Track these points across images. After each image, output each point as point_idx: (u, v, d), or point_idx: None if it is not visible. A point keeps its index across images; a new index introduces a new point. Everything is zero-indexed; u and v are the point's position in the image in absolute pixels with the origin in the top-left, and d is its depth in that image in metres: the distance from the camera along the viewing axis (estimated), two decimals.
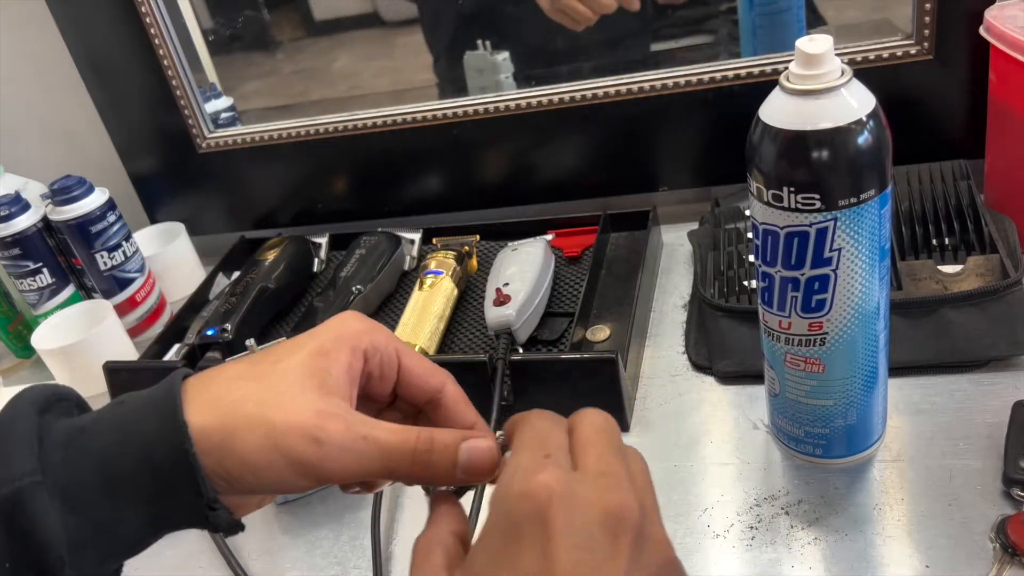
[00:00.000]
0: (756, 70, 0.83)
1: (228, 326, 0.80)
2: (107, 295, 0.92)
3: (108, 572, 0.37)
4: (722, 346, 0.69)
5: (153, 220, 1.09)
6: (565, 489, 0.32)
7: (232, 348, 0.78)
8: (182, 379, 0.37)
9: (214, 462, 0.35)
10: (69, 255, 0.92)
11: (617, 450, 0.35)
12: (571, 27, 0.88)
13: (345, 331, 0.40)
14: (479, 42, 0.92)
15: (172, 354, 0.84)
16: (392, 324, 0.81)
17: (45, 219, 0.90)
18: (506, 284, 0.75)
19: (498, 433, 0.39)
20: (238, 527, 0.38)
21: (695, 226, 0.85)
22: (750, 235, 0.74)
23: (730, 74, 0.83)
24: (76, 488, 0.35)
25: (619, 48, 0.92)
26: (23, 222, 0.88)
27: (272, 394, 0.36)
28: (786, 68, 0.47)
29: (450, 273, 0.82)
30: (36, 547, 0.34)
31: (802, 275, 0.49)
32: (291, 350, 0.38)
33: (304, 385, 0.37)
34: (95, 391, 0.86)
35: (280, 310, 0.89)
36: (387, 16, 1.01)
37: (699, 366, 0.71)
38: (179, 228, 1.03)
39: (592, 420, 0.36)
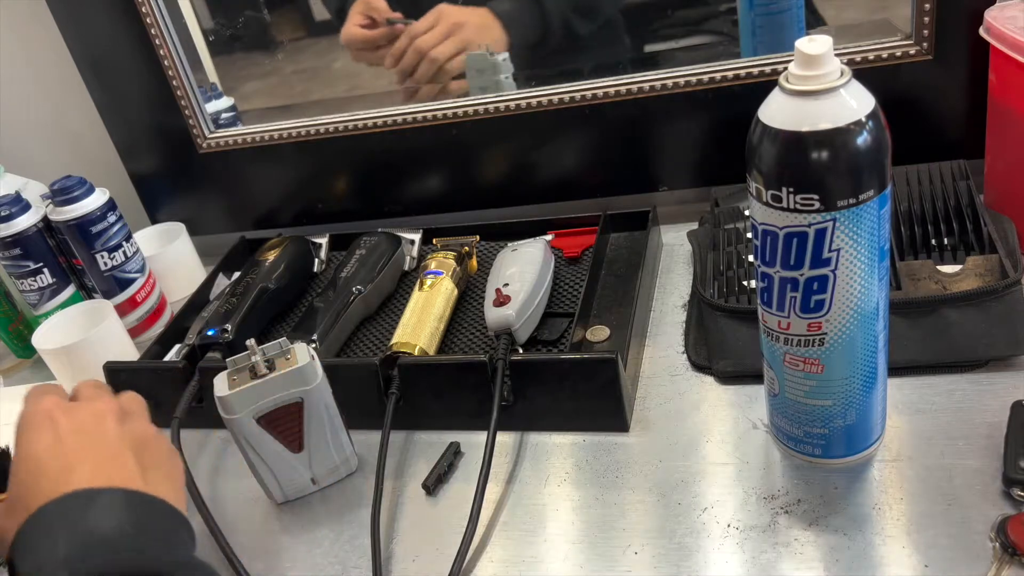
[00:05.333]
0: (756, 70, 0.83)
1: (228, 326, 0.80)
2: (107, 295, 0.92)
3: None
4: (722, 346, 0.69)
5: (153, 220, 1.09)
6: (65, 404, 0.52)
7: (232, 348, 0.78)
8: None
9: None
10: (69, 255, 0.92)
11: (105, 390, 0.56)
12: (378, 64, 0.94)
13: None
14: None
15: (172, 354, 0.84)
16: (392, 324, 0.81)
17: (45, 219, 0.90)
18: (506, 284, 0.75)
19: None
20: None
21: (695, 226, 0.85)
22: (749, 235, 0.74)
23: (730, 74, 0.84)
24: None
25: (618, 48, 0.92)
26: (23, 222, 0.88)
27: None
28: (785, 68, 0.47)
29: (450, 273, 0.82)
30: None
31: (801, 275, 0.50)
32: None
33: None
34: None
35: (280, 310, 0.89)
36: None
37: (699, 366, 0.71)
38: (179, 228, 1.03)
39: (85, 384, 0.56)
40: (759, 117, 0.48)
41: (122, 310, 0.92)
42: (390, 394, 0.70)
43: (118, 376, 0.81)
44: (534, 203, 0.96)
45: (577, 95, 0.88)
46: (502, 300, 0.73)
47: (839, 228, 0.47)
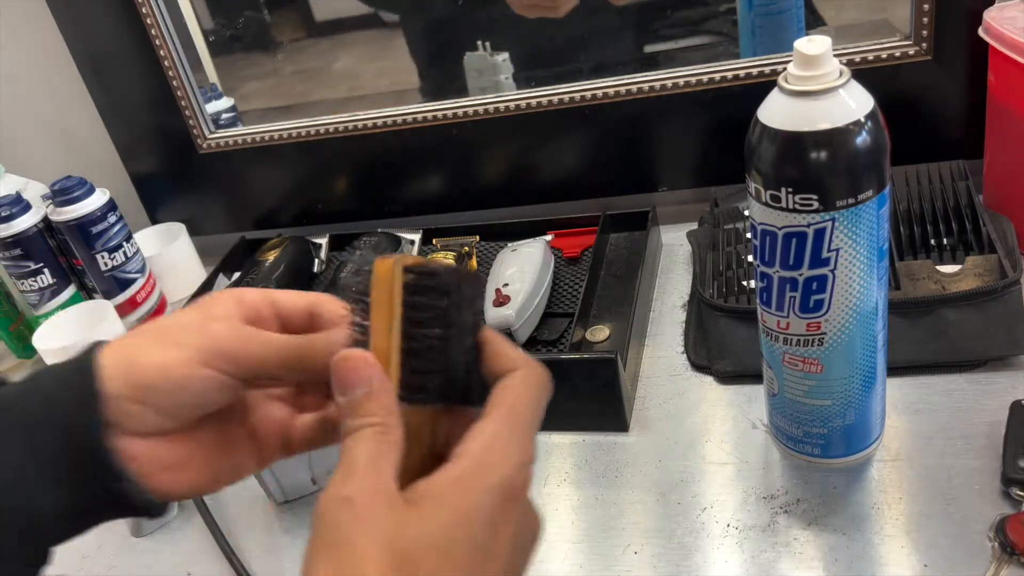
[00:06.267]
0: (755, 71, 0.83)
1: None
2: (108, 295, 0.92)
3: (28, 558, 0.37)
4: (721, 346, 0.69)
5: (154, 220, 1.09)
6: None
7: None
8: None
9: (121, 383, 0.36)
10: (70, 256, 0.92)
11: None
12: (549, 14, 0.86)
13: (221, 294, 0.44)
14: (479, 43, 0.92)
15: None
16: None
17: (46, 219, 0.90)
18: (506, 285, 0.75)
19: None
20: (156, 507, 0.38)
21: (694, 226, 0.85)
22: (749, 235, 0.74)
23: (729, 75, 0.84)
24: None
25: (617, 48, 0.92)
26: (24, 222, 0.88)
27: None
28: (785, 69, 0.47)
29: None
30: None
31: (800, 275, 0.50)
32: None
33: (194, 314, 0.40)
34: None
35: None
36: (387, 17, 1.01)
37: (698, 366, 0.71)
38: (180, 228, 1.03)
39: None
40: (758, 117, 0.48)
41: (122, 310, 0.92)
42: None
43: None
44: (534, 203, 0.96)
45: (577, 95, 0.88)
46: (502, 300, 0.73)
47: (838, 228, 0.47)
